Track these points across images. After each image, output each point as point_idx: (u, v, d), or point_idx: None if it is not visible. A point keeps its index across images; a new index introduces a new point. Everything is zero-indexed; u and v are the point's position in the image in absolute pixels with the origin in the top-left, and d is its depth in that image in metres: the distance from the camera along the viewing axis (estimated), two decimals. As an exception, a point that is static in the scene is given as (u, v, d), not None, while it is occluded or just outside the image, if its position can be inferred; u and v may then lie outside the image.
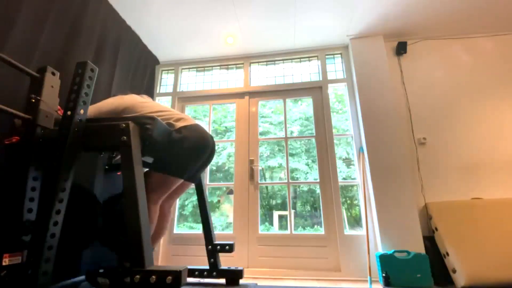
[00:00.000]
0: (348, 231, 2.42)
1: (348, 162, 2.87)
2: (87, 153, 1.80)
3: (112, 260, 1.94)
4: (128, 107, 1.50)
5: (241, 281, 1.78)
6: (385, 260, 1.98)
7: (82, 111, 1.23)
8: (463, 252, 1.91)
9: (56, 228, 1.07)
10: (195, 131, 1.50)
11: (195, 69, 3.17)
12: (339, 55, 2.91)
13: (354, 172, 2.59)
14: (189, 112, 3.15)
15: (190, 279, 1.83)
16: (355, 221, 2.70)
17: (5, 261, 1.07)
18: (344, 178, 2.74)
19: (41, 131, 1.24)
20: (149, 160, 1.67)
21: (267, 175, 5.21)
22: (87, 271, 1.35)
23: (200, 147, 1.49)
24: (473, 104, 2.52)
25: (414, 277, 1.90)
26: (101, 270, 1.29)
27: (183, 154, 1.43)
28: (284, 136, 2.80)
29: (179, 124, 1.48)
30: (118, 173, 2.07)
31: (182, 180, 1.50)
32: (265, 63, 3.05)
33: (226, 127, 5.16)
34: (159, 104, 1.65)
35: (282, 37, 2.77)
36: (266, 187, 5.08)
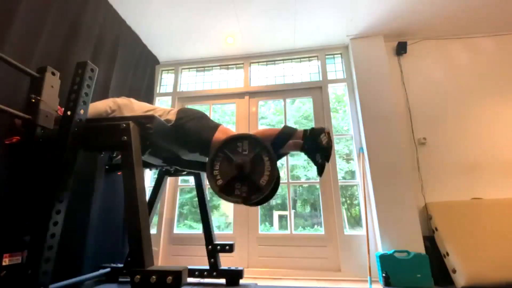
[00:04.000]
0: (348, 231, 2.42)
1: (347, 158, 2.87)
2: (87, 153, 1.80)
3: (115, 259, 1.94)
4: (120, 107, 1.55)
5: (241, 281, 1.78)
6: (385, 260, 1.98)
7: (82, 111, 1.22)
8: (463, 252, 1.91)
9: (56, 228, 1.07)
10: (186, 110, 1.57)
11: (195, 69, 3.17)
12: (339, 55, 2.91)
13: (354, 166, 2.59)
14: (189, 112, 3.15)
15: (190, 279, 1.82)
16: (355, 221, 2.70)
17: (5, 261, 1.07)
18: (343, 177, 2.74)
19: (41, 131, 1.24)
20: (149, 160, 1.67)
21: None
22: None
23: (200, 112, 1.55)
24: (473, 104, 2.52)
25: (414, 277, 1.90)
26: None
27: (197, 124, 1.46)
28: (284, 136, 2.79)
29: (172, 116, 1.52)
30: (119, 173, 2.07)
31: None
32: (265, 63, 3.05)
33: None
34: (147, 104, 1.71)
35: (282, 37, 2.77)
36: (266, 187, 5.07)
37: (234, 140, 1.27)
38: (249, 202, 1.21)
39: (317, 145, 1.33)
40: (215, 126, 1.44)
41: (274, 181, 1.23)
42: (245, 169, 1.19)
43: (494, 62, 2.62)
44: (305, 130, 1.38)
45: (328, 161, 1.34)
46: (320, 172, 1.35)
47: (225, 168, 1.23)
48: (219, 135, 1.38)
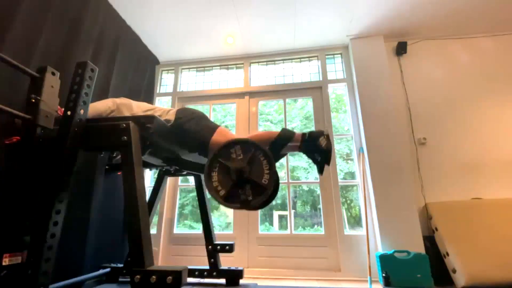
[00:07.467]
0: (348, 231, 2.42)
1: (347, 159, 2.88)
2: (87, 153, 1.80)
3: (115, 259, 1.94)
4: (119, 107, 1.54)
5: (241, 281, 1.78)
6: (385, 260, 1.98)
7: (82, 111, 1.22)
8: (463, 252, 1.91)
9: (56, 228, 1.07)
10: (185, 109, 1.57)
11: (195, 69, 3.17)
12: (339, 55, 2.91)
13: (354, 166, 2.59)
14: (189, 112, 3.15)
15: (190, 279, 1.82)
16: (355, 221, 2.70)
17: (5, 261, 1.07)
18: (343, 178, 2.74)
19: (41, 131, 1.24)
20: (149, 160, 1.67)
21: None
22: None
23: (199, 112, 1.55)
24: (473, 104, 2.52)
25: (414, 277, 1.90)
26: None
27: (195, 124, 1.46)
28: (284, 136, 2.79)
29: (171, 116, 1.52)
30: (119, 173, 2.07)
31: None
32: (265, 63, 3.05)
33: (226, 127, 5.14)
34: (146, 104, 1.70)
35: (282, 37, 2.77)
36: (266, 187, 5.06)
37: (227, 147, 1.25)
38: (254, 205, 1.20)
39: (317, 148, 1.32)
40: (214, 127, 1.43)
41: (276, 179, 1.22)
42: (244, 173, 1.18)
43: (494, 62, 2.62)
44: (303, 134, 1.37)
45: (328, 164, 1.33)
46: (321, 170, 1.34)
47: (223, 177, 1.21)
48: (217, 137, 1.37)
